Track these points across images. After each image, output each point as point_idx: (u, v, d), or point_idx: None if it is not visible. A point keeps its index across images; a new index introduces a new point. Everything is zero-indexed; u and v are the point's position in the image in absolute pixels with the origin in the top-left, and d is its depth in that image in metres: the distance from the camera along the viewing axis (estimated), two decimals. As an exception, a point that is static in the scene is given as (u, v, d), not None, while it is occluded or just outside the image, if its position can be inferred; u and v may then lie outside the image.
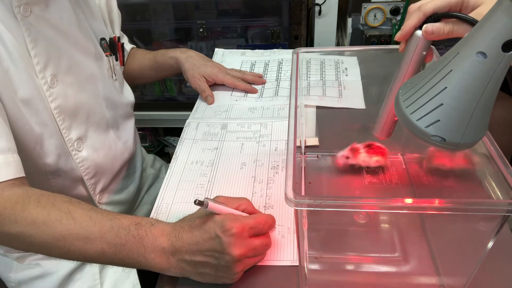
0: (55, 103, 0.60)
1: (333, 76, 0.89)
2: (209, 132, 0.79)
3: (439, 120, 0.36)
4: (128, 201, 0.79)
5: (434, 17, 0.43)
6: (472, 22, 0.40)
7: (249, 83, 0.90)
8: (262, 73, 0.98)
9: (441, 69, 0.36)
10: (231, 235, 0.46)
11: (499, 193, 0.38)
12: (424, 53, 0.46)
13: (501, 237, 0.40)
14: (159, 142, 1.70)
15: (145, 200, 0.87)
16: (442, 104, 0.35)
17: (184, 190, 0.66)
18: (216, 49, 1.10)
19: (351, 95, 0.84)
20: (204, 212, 0.50)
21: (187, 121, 0.83)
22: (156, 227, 0.50)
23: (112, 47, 0.73)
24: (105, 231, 0.49)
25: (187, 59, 0.87)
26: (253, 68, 1.00)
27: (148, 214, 0.83)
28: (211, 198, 0.51)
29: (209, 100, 0.86)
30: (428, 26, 0.43)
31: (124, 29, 0.90)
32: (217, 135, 0.78)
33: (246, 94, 0.90)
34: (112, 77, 0.73)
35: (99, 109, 0.68)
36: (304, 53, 0.62)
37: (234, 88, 0.91)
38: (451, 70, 0.35)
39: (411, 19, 0.45)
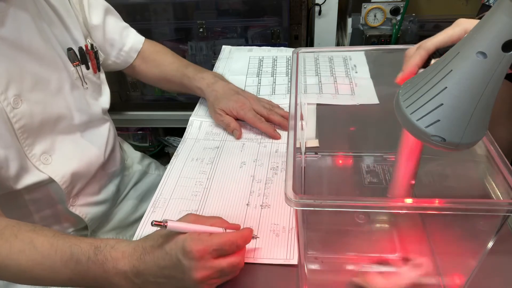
0: (19, 124, 0.58)
1: (343, 73, 0.90)
2: (212, 132, 0.79)
3: (439, 120, 0.36)
4: (108, 200, 0.78)
5: (438, 54, 0.42)
6: None
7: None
8: (270, 68, 0.97)
9: (441, 69, 0.36)
10: (191, 259, 0.44)
11: (499, 193, 0.38)
12: None
13: (501, 237, 0.40)
14: (159, 142, 1.70)
15: (130, 196, 0.86)
16: (442, 104, 0.35)
17: (183, 186, 0.66)
18: (223, 46, 1.10)
19: (363, 91, 0.84)
20: (165, 230, 0.47)
21: (191, 119, 0.83)
22: (116, 250, 0.48)
23: (82, 55, 0.70)
24: (66, 259, 0.48)
25: (211, 92, 0.80)
26: (261, 64, 1.01)
27: (132, 209, 0.84)
28: (180, 218, 0.49)
29: (236, 134, 0.76)
30: (437, 61, 0.41)
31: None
32: (219, 135, 0.78)
33: (258, 92, 0.90)
34: (83, 85, 0.71)
35: (67, 121, 0.67)
36: (309, 53, 0.62)
37: (245, 87, 0.91)
38: (451, 70, 0.35)
39: (413, 59, 0.43)
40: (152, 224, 0.43)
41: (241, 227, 0.54)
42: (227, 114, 0.78)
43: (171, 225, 0.45)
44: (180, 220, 0.49)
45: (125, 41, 0.83)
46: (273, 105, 0.81)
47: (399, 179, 0.50)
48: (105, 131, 0.77)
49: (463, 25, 0.42)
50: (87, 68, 0.72)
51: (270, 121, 0.77)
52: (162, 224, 0.44)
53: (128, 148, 0.94)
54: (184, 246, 0.45)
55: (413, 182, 0.49)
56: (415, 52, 0.43)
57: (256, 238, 0.55)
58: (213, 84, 0.80)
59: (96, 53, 0.74)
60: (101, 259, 0.48)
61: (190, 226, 0.47)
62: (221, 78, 0.83)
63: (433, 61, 0.42)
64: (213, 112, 0.79)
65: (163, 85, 0.90)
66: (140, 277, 0.47)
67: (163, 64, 0.87)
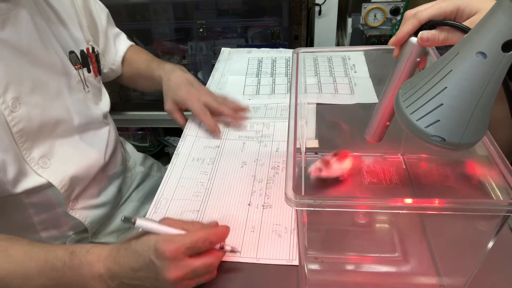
0: (17, 127, 0.58)
1: (342, 72, 0.90)
2: (212, 130, 0.79)
3: (439, 120, 0.36)
4: (108, 203, 0.77)
5: (429, 25, 0.44)
6: (466, 31, 0.40)
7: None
8: (270, 69, 0.98)
9: (441, 69, 0.36)
10: (165, 259, 0.44)
11: (499, 193, 0.38)
12: (418, 59, 0.46)
13: (501, 237, 0.40)
14: (159, 142, 1.70)
15: (132, 198, 0.86)
16: (442, 104, 0.35)
17: (184, 187, 0.66)
18: (222, 48, 1.11)
19: (363, 90, 0.85)
20: (140, 233, 0.47)
21: (191, 117, 0.83)
22: (91, 254, 0.49)
23: (83, 58, 0.70)
24: (41, 265, 0.48)
25: (167, 81, 0.81)
26: (260, 65, 1.01)
27: (134, 211, 0.84)
28: (164, 216, 0.50)
29: (182, 127, 0.82)
30: (423, 33, 0.44)
31: (124, 29, 0.90)
32: (218, 130, 0.78)
33: (258, 91, 0.90)
34: (84, 89, 0.71)
35: (66, 125, 0.66)
36: (308, 53, 0.62)
37: (245, 86, 0.92)
38: (451, 70, 0.35)
39: (406, 26, 0.45)
40: (121, 220, 0.45)
41: (240, 225, 0.53)
42: (176, 105, 0.80)
43: (139, 222, 0.46)
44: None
45: (118, 47, 0.86)
46: (226, 100, 0.82)
47: (376, 120, 0.53)
48: (105, 133, 0.76)
49: (455, 1, 0.43)
50: (89, 71, 0.72)
51: (220, 113, 0.79)
52: (131, 220, 0.45)
53: (130, 149, 0.94)
54: (157, 247, 0.45)
55: (388, 123, 0.52)
56: (409, 21, 0.45)
57: (236, 251, 0.53)
58: (170, 73, 0.82)
59: (97, 56, 0.74)
60: (77, 264, 0.48)
61: (159, 226, 0.47)
62: (181, 69, 0.84)
63: (420, 34, 0.44)
64: (165, 103, 0.81)
65: (137, 83, 0.92)
66: (115, 280, 0.47)
67: (137, 61, 0.89)
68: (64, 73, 0.66)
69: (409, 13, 0.45)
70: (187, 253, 0.46)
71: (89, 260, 0.48)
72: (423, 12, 0.44)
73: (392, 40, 0.47)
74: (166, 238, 0.46)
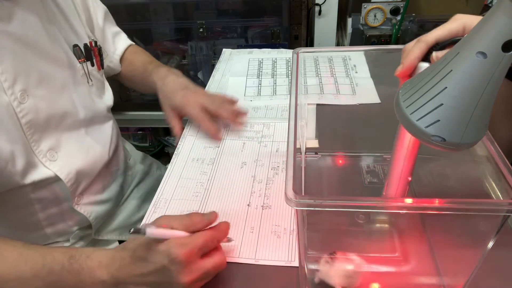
0: (26, 119, 0.58)
1: (343, 73, 0.90)
2: (212, 129, 0.79)
3: (439, 120, 0.36)
4: (111, 199, 0.78)
5: (438, 47, 0.42)
6: None
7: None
8: (270, 69, 0.98)
9: (441, 69, 0.36)
10: (179, 263, 0.44)
11: (499, 193, 0.38)
12: None
13: (501, 237, 0.40)
14: (159, 142, 1.70)
15: (133, 195, 0.86)
16: (442, 104, 0.35)
17: (184, 187, 0.66)
18: (223, 49, 1.11)
19: (365, 91, 0.85)
20: (147, 239, 0.46)
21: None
22: (92, 259, 0.48)
23: (87, 52, 0.71)
24: (37, 269, 0.48)
25: (162, 87, 0.80)
26: (261, 65, 1.01)
27: (135, 209, 0.84)
28: (153, 221, 0.49)
29: (177, 139, 0.78)
30: (438, 53, 0.41)
31: (124, 29, 0.90)
32: (219, 133, 0.78)
33: (259, 93, 0.90)
34: (88, 82, 0.71)
35: (73, 118, 0.67)
36: (309, 53, 0.62)
37: (246, 88, 0.92)
38: (451, 70, 0.35)
39: (413, 52, 0.42)
40: (129, 232, 0.43)
41: (239, 225, 0.53)
42: (174, 111, 0.77)
43: (150, 232, 0.44)
44: (154, 223, 0.48)
45: (117, 46, 0.87)
46: (225, 101, 0.79)
47: (395, 177, 0.48)
48: (108, 129, 0.77)
49: (461, 20, 0.42)
50: (92, 64, 0.72)
51: (218, 116, 0.76)
52: (140, 231, 0.43)
53: (130, 147, 0.94)
54: (170, 253, 0.44)
55: (409, 178, 0.48)
56: (415, 45, 0.43)
57: (231, 240, 0.54)
58: (164, 79, 0.80)
59: (100, 49, 0.75)
60: (76, 268, 0.47)
61: (170, 232, 0.46)
62: (174, 72, 0.82)
63: (434, 53, 0.42)
64: (164, 110, 0.80)
65: (134, 84, 0.93)
66: (120, 286, 0.47)
67: (135, 62, 0.89)
68: (69, 66, 0.67)
69: (409, 45, 0.43)
70: (199, 254, 0.46)
71: (90, 266, 0.47)
72: (428, 36, 0.42)
73: (398, 69, 0.43)
74: (178, 242, 0.45)
